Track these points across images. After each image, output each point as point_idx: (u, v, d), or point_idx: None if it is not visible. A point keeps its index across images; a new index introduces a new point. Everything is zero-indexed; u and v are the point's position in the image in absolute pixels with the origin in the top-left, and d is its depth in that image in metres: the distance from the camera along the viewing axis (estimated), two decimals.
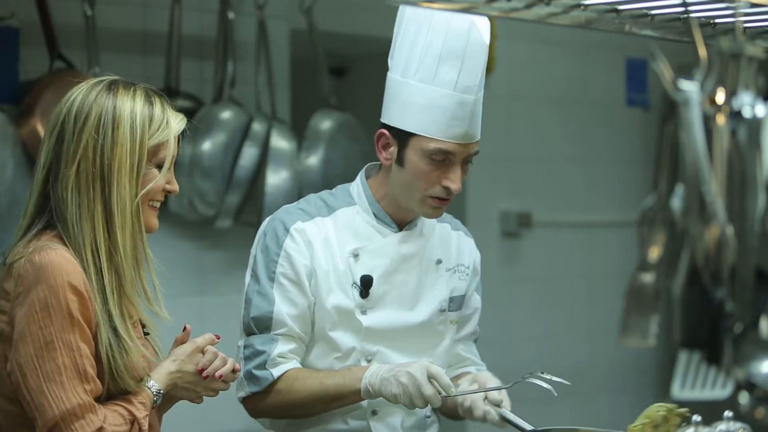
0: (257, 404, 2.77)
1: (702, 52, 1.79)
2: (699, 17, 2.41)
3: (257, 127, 4.32)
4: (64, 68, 3.91)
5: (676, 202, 1.72)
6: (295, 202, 2.88)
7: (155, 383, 2.40)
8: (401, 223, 2.85)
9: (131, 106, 2.36)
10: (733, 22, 2.26)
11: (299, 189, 4.40)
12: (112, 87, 2.38)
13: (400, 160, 2.76)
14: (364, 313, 2.78)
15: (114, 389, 2.31)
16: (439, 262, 2.88)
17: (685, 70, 1.77)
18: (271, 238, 2.78)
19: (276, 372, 2.72)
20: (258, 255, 2.80)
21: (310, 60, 4.56)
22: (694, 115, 1.71)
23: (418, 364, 2.66)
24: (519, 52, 5.44)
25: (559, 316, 5.56)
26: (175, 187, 2.44)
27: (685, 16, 2.40)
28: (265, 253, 2.79)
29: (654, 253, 1.76)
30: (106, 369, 2.29)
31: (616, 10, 2.39)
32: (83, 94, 2.37)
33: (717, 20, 2.42)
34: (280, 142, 4.36)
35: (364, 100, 5.77)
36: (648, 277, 1.77)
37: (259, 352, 2.74)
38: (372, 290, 2.77)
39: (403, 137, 2.75)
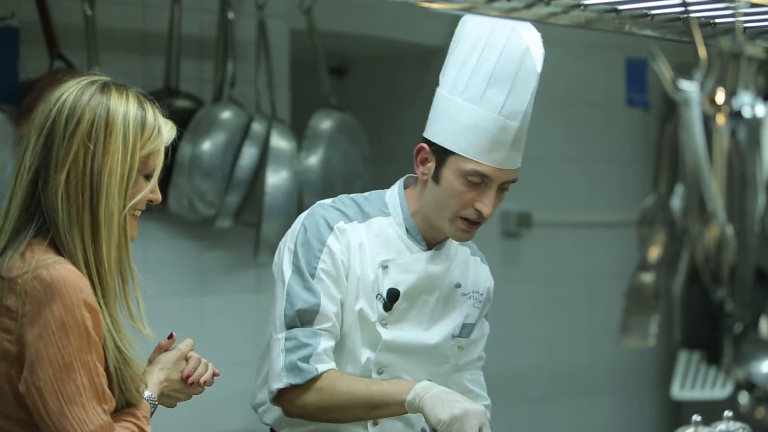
0: (294, 399, 2.71)
1: (702, 52, 1.79)
2: (699, 17, 2.41)
3: (257, 127, 4.32)
4: (64, 68, 3.91)
5: (676, 202, 1.72)
6: (330, 200, 2.83)
7: (150, 393, 2.38)
8: (431, 242, 2.82)
9: (124, 111, 2.27)
10: (733, 22, 2.26)
11: (299, 189, 4.40)
12: (105, 89, 2.29)
13: (436, 177, 2.74)
14: (384, 326, 2.75)
15: (119, 402, 2.27)
16: (458, 286, 2.85)
17: (685, 70, 1.77)
18: (314, 233, 2.74)
19: (320, 367, 2.68)
20: (299, 249, 2.74)
21: (310, 60, 4.56)
22: (694, 115, 1.71)
23: (479, 408, 2.61)
24: None
25: (559, 316, 5.56)
26: (158, 196, 2.36)
27: (685, 16, 2.40)
28: (306, 248, 2.73)
29: (654, 253, 1.76)
30: (115, 383, 2.25)
31: (616, 10, 2.39)
32: (75, 94, 2.27)
33: (717, 20, 2.42)
34: (280, 142, 4.36)
35: (364, 100, 5.77)
36: (648, 277, 1.77)
37: (304, 345, 2.69)
38: (396, 304, 2.75)
39: (442, 154, 2.72)
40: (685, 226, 1.71)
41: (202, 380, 2.47)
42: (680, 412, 5.58)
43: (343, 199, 2.83)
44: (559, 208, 5.59)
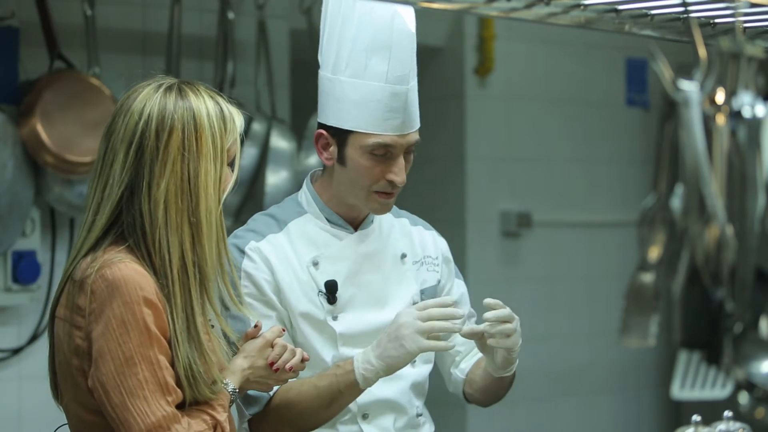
0: (263, 427, 2.72)
1: (702, 52, 1.79)
2: (699, 17, 2.41)
3: (257, 127, 4.32)
4: (64, 68, 3.91)
5: (676, 202, 1.72)
6: (244, 225, 2.85)
7: (230, 382, 2.42)
8: (354, 222, 2.81)
9: (206, 111, 2.33)
10: (733, 22, 2.27)
11: (299, 189, 4.40)
12: (182, 93, 2.33)
13: (341, 159, 2.72)
14: (335, 319, 2.73)
15: (189, 398, 2.31)
16: (404, 256, 2.84)
17: (685, 70, 1.77)
18: None
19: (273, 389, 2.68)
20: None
21: (310, 60, 4.55)
22: (694, 115, 1.71)
23: (403, 323, 2.60)
24: (519, 52, 5.44)
25: (559, 316, 5.56)
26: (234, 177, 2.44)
27: (685, 16, 2.40)
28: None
29: (654, 253, 1.76)
30: (185, 384, 2.29)
31: (616, 10, 2.39)
32: (158, 105, 2.31)
33: (717, 20, 2.42)
34: (279, 142, 4.36)
35: None
36: (648, 277, 1.77)
37: None
38: (339, 294, 2.73)
39: (341, 135, 2.71)
40: (685, 226, 1.71)
41: (287, 366, 2.50)
42: (680, 412, 5.58)
43: (256, 218, 2.86)
44: (559, 208, 5.59)
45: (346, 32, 2.71)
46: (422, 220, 2.97)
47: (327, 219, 2.79)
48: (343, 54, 2.71)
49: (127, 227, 2.30)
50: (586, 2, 2.33)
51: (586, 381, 5.56)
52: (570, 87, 5.60)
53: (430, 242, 2.93)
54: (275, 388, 2.68)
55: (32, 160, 3.84)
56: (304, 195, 2.84)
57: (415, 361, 2.78)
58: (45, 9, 3.90)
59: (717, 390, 1.77)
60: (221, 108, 2.36)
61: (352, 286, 2.76)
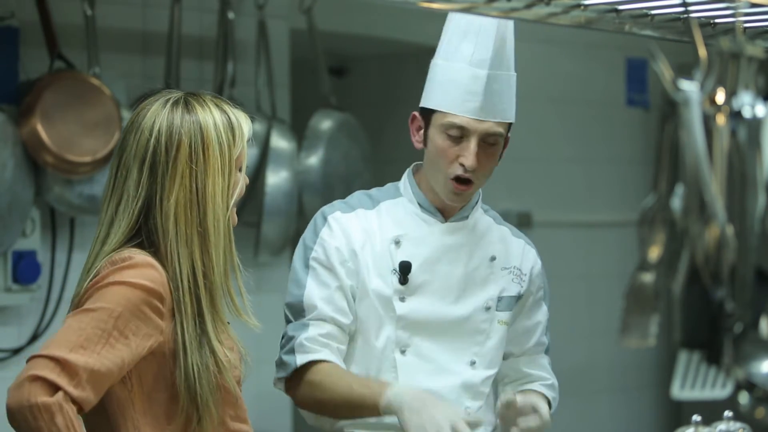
0: (294, 392, 2.76)
1: (702, 52, 1.79)
2: (699, 17, 2.41)
3: (257, 127, 4.32)
4: (64, 68, 3.91)
5: (676, 202, 1.72)
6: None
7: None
8: (447, 214, 2.84)
9: (213, 122, 2.36)
10: (733, 22, 2.26)
11: (299, 189, 4.40)
12: (189, 106, 2.37)
13: (425, 140, 2.80)
14: (402, 300, 2.76)
15: (188, 410, 2.30)
16: (493, 258, 2.85)
17: (685, 70, 1.77)
18: (310, 229, 2.82)
19: (300, 359, 2.71)
20: (298, 248, 2.83)
21: (310, 60, 4.56)
22: (694, 115, 1.71)
23: (447, 415, 2.58)
24: (519, 52, 5.43)
25: (559, 316, 5.55)
26: (246, 181, 2.50)
27: (685, 16, 2.40)
28: (303, 244, 2.82)
29: (654, 253, 1.76)
30: (183, 392, 2.29)
31: (616, 10, 2.39)
32: (166, 121, 2.35)
33: (717, 20, 2.42)
34: (280, 142, 4.36)
35: (364, 100, 5.77)
36: (648, 277, 1.77)
37: (290, 338, 2.74)
38: (412, 277, 2.75)
39: (427, 116, 2.78)
40: (685, 226, 1.71)
41: None
42: (680, 412, 5.58)
43: (354, 194, 2.90)
44: (559, 208, 5.59)
45: (452, 20, 2.83)
46: (525, 236, 2.99)
47: (419, 204, 2.83)
48: (444, 39, 2.82)
49: (146, 240, 2.34)
50: (586, 2, 2.33)
51: (586, 381, 5.55)
52: (570, 87, 5.60)
53: (526, 258, 2.95)
54: (308, 357, 2.70)
55: (32, 160, 3.84)
56: (403, 180, 2.89)
57: (474, 362, 2.79)
58: (45, 9, 3.90)
59: (717, 390, 1.77)
60: (228, 117, 2.39)
61: (428, 272, 2.77)
